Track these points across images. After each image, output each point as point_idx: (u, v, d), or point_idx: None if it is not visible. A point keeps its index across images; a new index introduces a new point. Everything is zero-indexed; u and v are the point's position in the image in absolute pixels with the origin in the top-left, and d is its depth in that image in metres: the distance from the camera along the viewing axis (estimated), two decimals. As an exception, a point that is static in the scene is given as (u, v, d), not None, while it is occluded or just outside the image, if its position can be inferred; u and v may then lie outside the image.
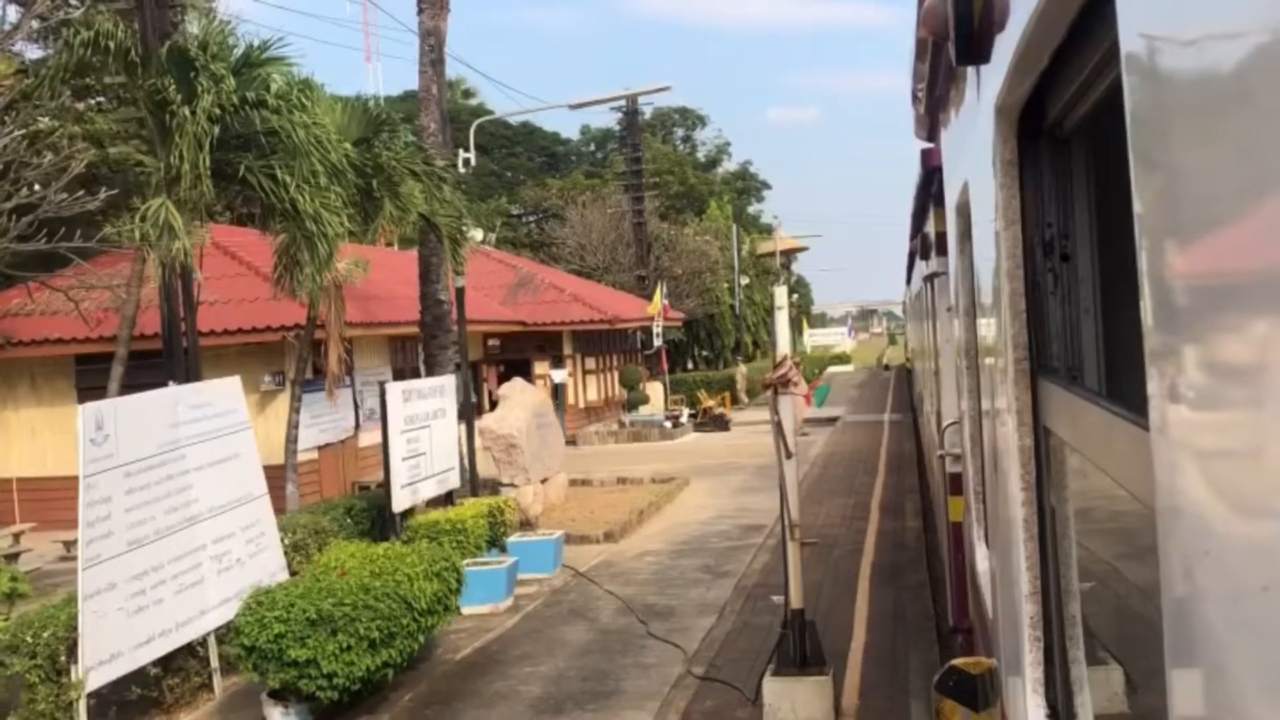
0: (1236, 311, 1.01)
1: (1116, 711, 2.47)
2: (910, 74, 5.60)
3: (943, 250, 7.11)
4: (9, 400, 23.68)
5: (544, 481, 19.80)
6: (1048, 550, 2.56)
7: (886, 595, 12.89)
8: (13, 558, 18.20)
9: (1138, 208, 1.29)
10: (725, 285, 51.61)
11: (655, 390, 39.50)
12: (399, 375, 28.42)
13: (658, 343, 39.07)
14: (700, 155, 76.04)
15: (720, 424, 35.50)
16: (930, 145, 7.25)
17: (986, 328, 3.36)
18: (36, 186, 13.18)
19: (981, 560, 4.67)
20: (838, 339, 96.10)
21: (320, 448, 23.59)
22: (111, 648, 9.34)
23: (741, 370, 45.89)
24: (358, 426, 25.37)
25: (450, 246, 16.05)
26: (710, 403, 37.32)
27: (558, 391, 30.74)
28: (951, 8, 2.63)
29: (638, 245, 45.68)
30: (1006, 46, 2.25)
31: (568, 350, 35.00)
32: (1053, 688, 2.57)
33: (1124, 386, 2.14)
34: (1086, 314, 2.44)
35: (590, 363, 36.87)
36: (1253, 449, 0.97)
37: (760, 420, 36.54)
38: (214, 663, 10.85)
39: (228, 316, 21.69)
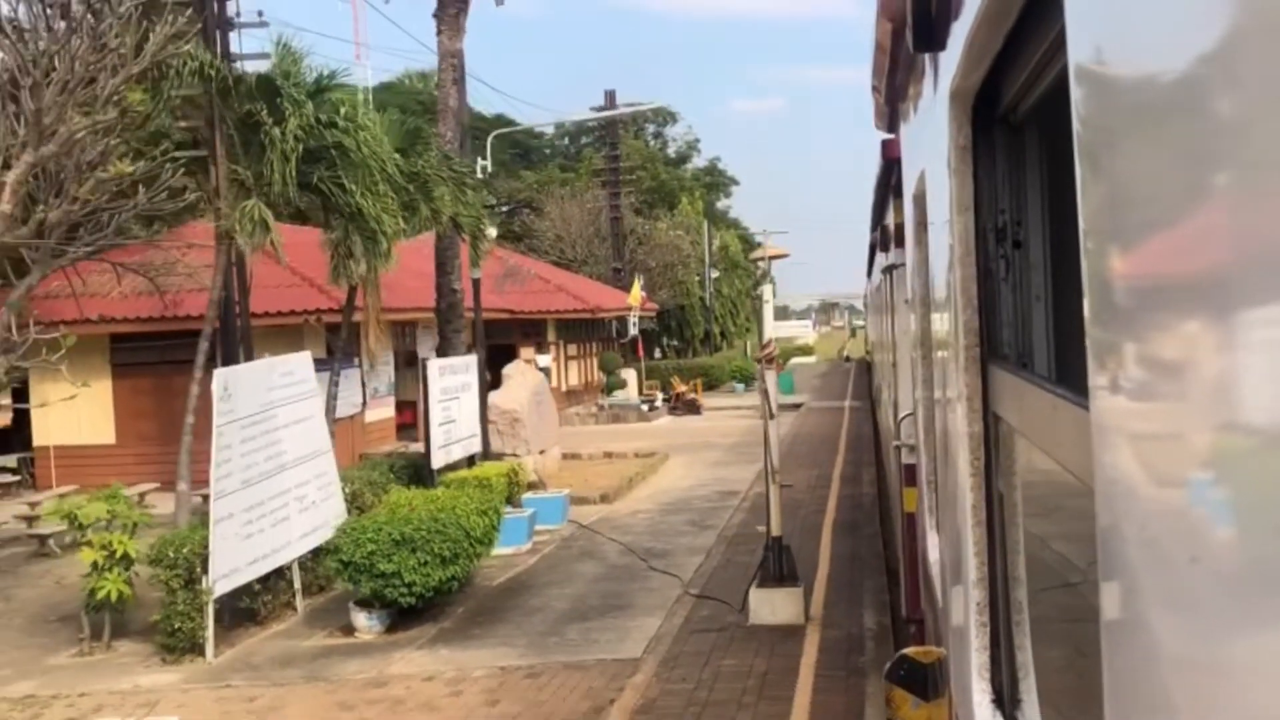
0: (1183, 299, 1.02)
1: (1061, 697, 2.41)
2: (871, 65, 5.62)
3: (901, 242, 7.07)
4: (49, 374, 25.79)
5: (541, 453, 22.27)
6: (995, 536, 2.55)
7: (845, 542, 15.49)
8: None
9: (1081, 197, 1.31)
10: (696, 278, 54.27)
11: (630, 376, 42.02)
12: (399, 358, 30.87)
13: (633, 331, 41.59)
14: (671, 151, 78.45)
15: (692, 408, 38.07)
16: (890, 136, 7.21)
17: (940, 316, 3.37)
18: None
19: (933, 549, 4.69)
20: (801, 331, 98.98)
21: (334, 421, 25.94)
22: (230, 565, 11.74)
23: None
24: (365, 404, 27.78)
25: (472, 242, 18.47)
26: (683, 388, 39.86)
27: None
28: None
29: (614, 239, 48.16)
30: (961, 33, 2.27)
31: (551, 337, 37.45)
32: (998, 672, 2.57)
33: (1072, 372, 2.17)
34: (1038, 300, 2.45)
35: (572, 349, 39.35)
36: (1183, 429, 1.00)
37: (729, 406, 39.38)
38: (297, 585, 13.26)
39: (254, 301, 23.97)
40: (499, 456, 21.10)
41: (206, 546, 11.42)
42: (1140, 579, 1.14)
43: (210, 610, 11.47)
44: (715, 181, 79.40)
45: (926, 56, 3.21)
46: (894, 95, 5.64)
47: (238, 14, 17.84)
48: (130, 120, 12.76)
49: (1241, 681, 0.88)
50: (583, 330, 40.14)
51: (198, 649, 11.51)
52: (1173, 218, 1.02)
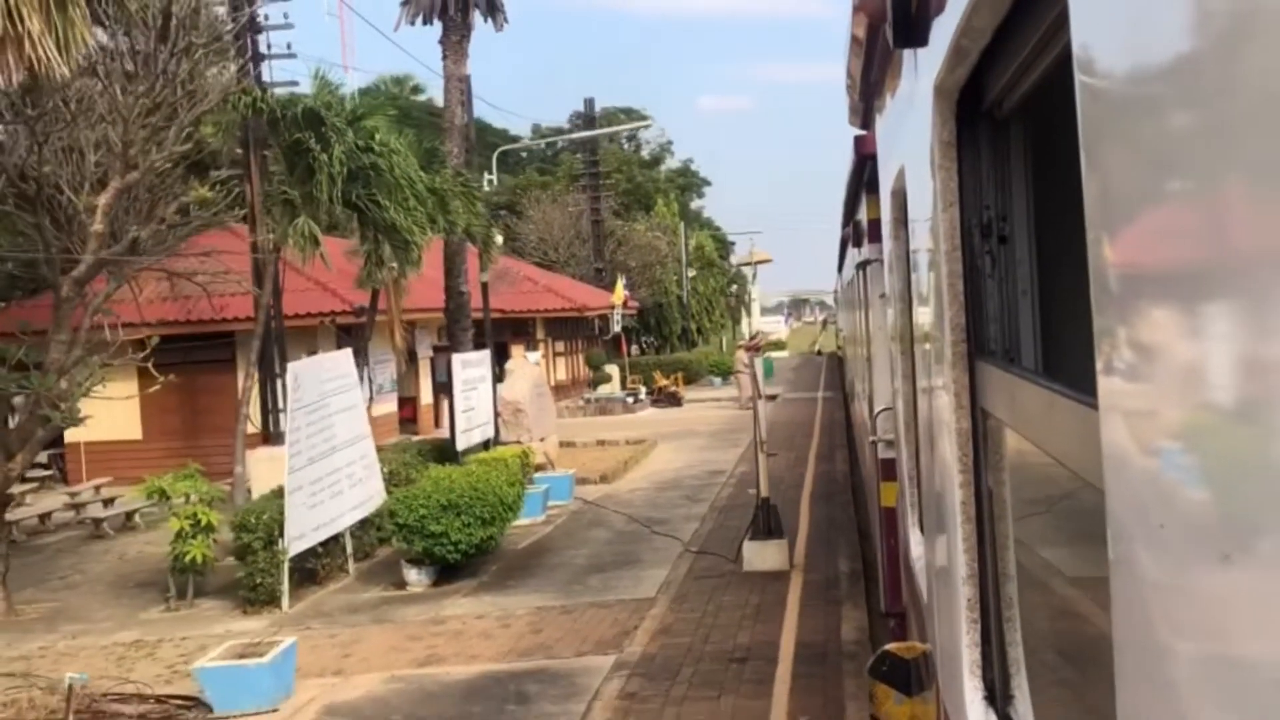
0: (1188, 290, 1.02)
1: (1053, 692, 2.42)
2: (845, 61, 5.58)
3: (876, 237, 7.08)
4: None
5: (542, 440, 24.35)
6: (985, 532, 2.54)
7: (821, 508, 17.68)
8: (109, 501, 22.25)
9: (1087, 188, 1.27)
10: (674, 277, 56.49)
11: (614, 371, 44.17)
12: (400, 355, 32.92)
13: (616, 329, 43.73)
14: (645, 154, 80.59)
15: (674, 400, 40.24)
16: (863, 133, 7.25)
17: (923, 311, 3.33)
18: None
19: (915, 545, 4.67)
20: (775, 327, 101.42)
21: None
22: (299, 530, 13.78)
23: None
24: (371, 399, 29.77)
25: (482, 249, 20.55)
26: (665, 382, 42.03)
27: (534, 371, 35.38)
28: None
29: (595, 240, 50.27)
30: (946, 27, 2.27)
31: (540, 335, 39.54)
32: (990, 669, 2.56)
33: (1062, 366, 2.22)
34: (1024, 295, 2.46)
35: (559, 346, 41.46)
36: (1204, 422, 0.99)
37: (708, 398, 41.62)
38: (349, 550, 15.31)
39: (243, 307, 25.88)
40: (502, 444, 23.24)
41: (282, 514, 13.46)
42: (1154, 572, 1.13)
43: (286, 568, 13.52)
44: (689, 183, 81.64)
45: (905, 52, 3.21)
46: (869, 91, 5.66)
47: (268, 46, 19.81)
48: (201, 150, 14.78)
49: (1265, 677, 0.87)
50: (569, 328, 42.24)
51: (275, 601, 13.54)
52: (1176, 211, 1.02)
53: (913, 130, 3.14)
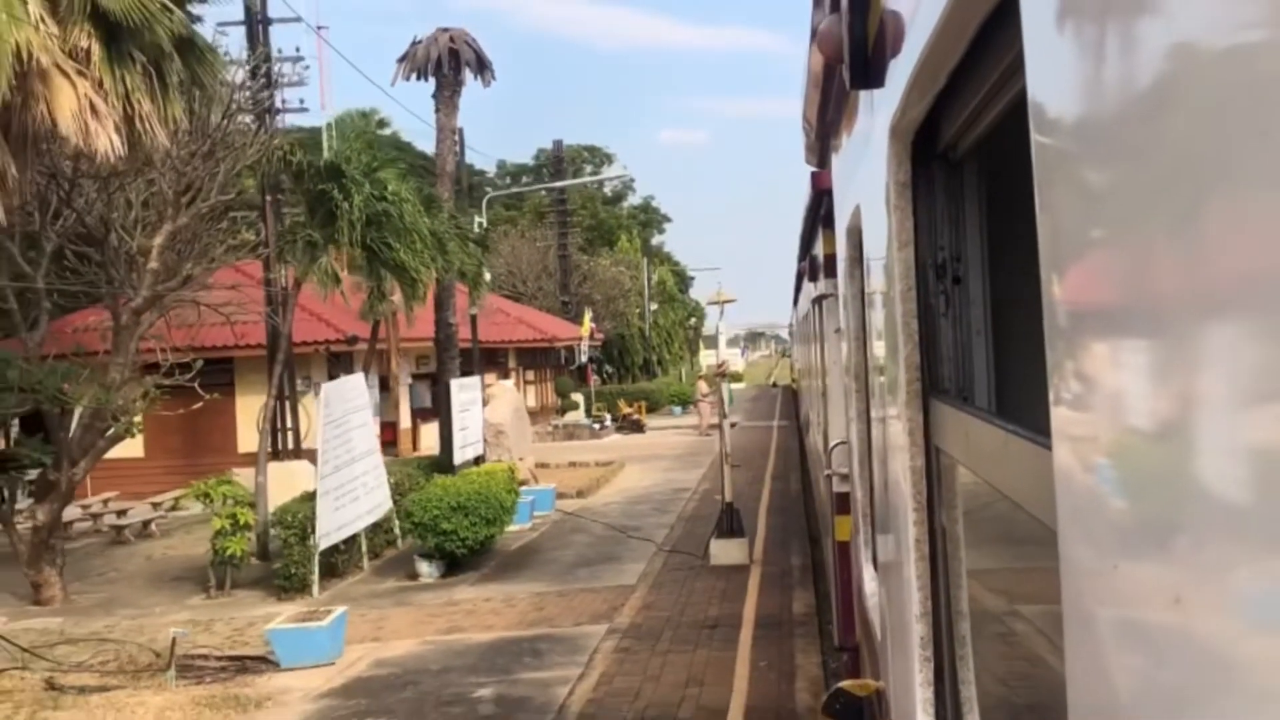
0: (1140, 328, 1.03)
1: None
2: (802, 102, 5.57)
3: (831, 272, 7.15)
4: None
5: (520, 460, 26.63)
6: (938, 570, 2.55)
7: (777, 518, 20.08)
8: (121, 512, 24.24)
9: (1041, 229, 1.28)
10: (636, 310, 59.06)
11: (578, 399, 46.53)
12: (385, 382, 35.10)
13: (583, 359, 46.12)
14: (607, 190, 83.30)
15: (637, 427, 42.64)
16: (819, 170, 7.29)
17: (879, 349, 3.33)
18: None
19: (870, 581, 4.66)
20: (734, 359, 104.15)
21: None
22: (326, 528, 15.94)
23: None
24: (359, 422, 31.90)
25: (472, 286, 22.86)
26: (629, 409, 44.42)
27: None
28: (846, 32, 2.69)
29: (562, 274, 52.71)
30: (902, 70, 2.27)
31: (512, 364, 41.79)
32: (943, 707, 2.58)
33: (1015, 405, 2.28)
34: (978, 335, 2.49)
35: (530, 374, 43.74)
36: (1158, 463, 0.99)
37: (669, 425, 44.07)
38: (364, 548, 17.48)
39: (257, 333, 28.00)
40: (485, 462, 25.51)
41: (311, 515, 15.63)
42: (1107, 613, 1.13)
43: (317, 559, 15.69)
44: (650, 219, 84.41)
45: (862, 93, 3.21)
46: (825, 130, 5.65)
47: (282, 101, 22.06)
48: (242, 198, 17.05)
49: None
50: (538, 358, 44.56)
51: (306, 589, 15.69)
52: (1127, 251, 1.04)
53: (868, 170, 3.21)
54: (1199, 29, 0.84)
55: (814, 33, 3.91)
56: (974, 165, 2.46)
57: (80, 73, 11.43)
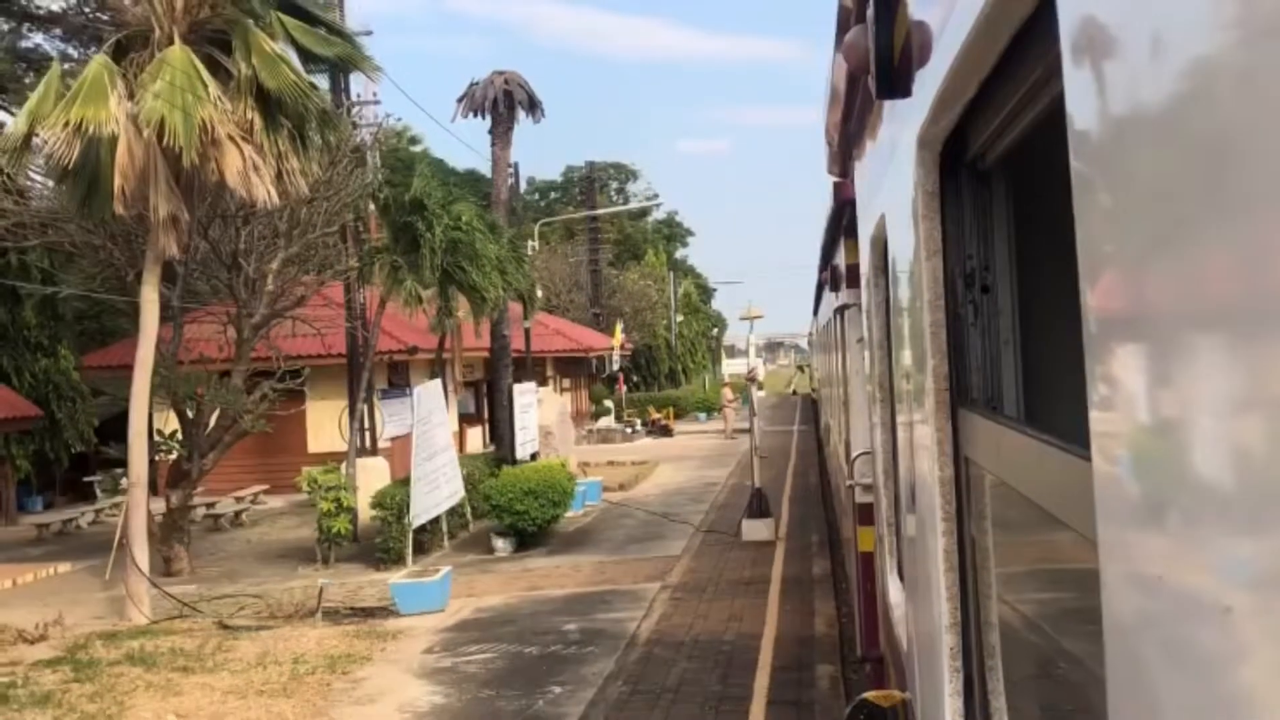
0: (1183, 337, 1.01)
1: None
2: (824, 111, 5.67)
3: (854, 282, 7.08)
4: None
5: (565, 459, 29.58)
6: (968, 581, 2.56)
7: (799, 506, 22.95)
8: (210, 504, 27.18)
9: (1080, 238, 1.29)
10: (663, 322, 62.09)
11: (609, 405, 49.54)
12: (459, 387, 38.18)
13: (614, 368, 49.09)
14: (633, 205, 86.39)
15: (666, 431, 45.60)
16: (841, 180, 7.21)
17: (905, 358, 3.33)
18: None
19: (895, 592, 4.68)
20: (758, 368, 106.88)
21: (393, 438, 33.11)
22: (417, 509, 18.85)
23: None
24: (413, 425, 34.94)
25: (527, 303, 25.82)
26: (658, 415, 47.38)
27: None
28: (872, 42, 2.68)
29: (593, 288, 55.73)
30: (930, 80, 2.29)
31: (550, 372, 44.75)
32: (972, 718, 2.58)
33: (1044, 415, 2.29)
34: (1006, 345, 2.49)
35: (565, 382, 46.70)
36: (1207, 471, 0.97)
37: (695, 430, 47.03)
38: (444, 529, 20.40)
39: (338, 344, 31.05)
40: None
41: (405, 499, 18.54)
42: (1152, 625, 1.12)
43: (410, 535, 18.60)
44: (674, 233, 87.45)
45: (887, 102, 3.21)
46: (848, 139, 5.72)
47: (364, 142, 25.10)
48: (344, 231, 20.09)
49: None
50: (573, 366, 47.55)
51: (401, 561, 18.58)
52: (1174, 258, 1.02)
53: (894, 180, 3.18)
54: (1242, 36, 0.84)
55: (838, 42, 3.96)
56: (1003, 174, 2.46)
57: (245, 138, 14.43)
